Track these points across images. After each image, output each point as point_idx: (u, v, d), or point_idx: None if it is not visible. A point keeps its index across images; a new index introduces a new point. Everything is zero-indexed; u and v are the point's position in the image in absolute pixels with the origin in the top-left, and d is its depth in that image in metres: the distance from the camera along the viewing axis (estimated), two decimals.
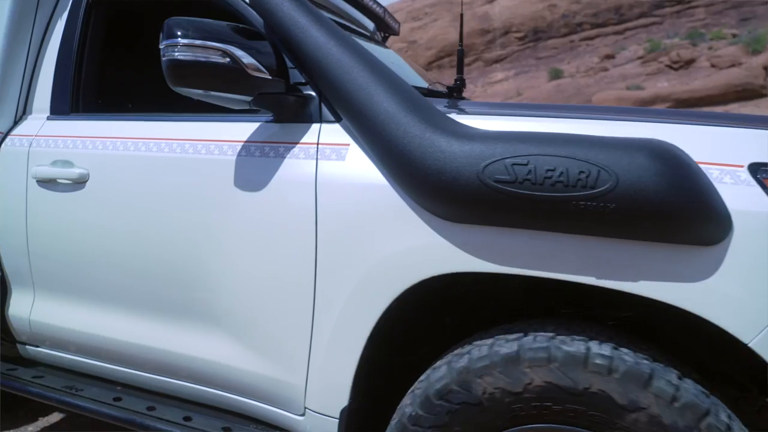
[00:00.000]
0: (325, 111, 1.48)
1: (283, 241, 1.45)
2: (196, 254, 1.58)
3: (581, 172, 1.08)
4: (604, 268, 1.13)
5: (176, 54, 1.35)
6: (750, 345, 1.04)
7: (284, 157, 1.48)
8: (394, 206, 1.31)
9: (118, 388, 1.87)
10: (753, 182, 1.08)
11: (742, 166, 1.10)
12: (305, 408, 1.49)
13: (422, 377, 1.27)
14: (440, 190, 1.19)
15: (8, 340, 2.02)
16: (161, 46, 1.37)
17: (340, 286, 1.37)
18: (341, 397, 1.42)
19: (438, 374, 1.22)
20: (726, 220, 1.06)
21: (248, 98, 1.45)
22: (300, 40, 1.44)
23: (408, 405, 1.26)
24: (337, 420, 1.43)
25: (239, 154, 1.53)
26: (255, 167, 1.50)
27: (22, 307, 1.95)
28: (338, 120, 1.46)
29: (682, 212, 1.04)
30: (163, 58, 1.37)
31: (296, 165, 1.46)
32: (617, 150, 1.08)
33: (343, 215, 1.37)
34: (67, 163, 1.80)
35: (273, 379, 1.52)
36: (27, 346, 2.00)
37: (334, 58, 1.39)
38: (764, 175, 1.09)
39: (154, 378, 1.75)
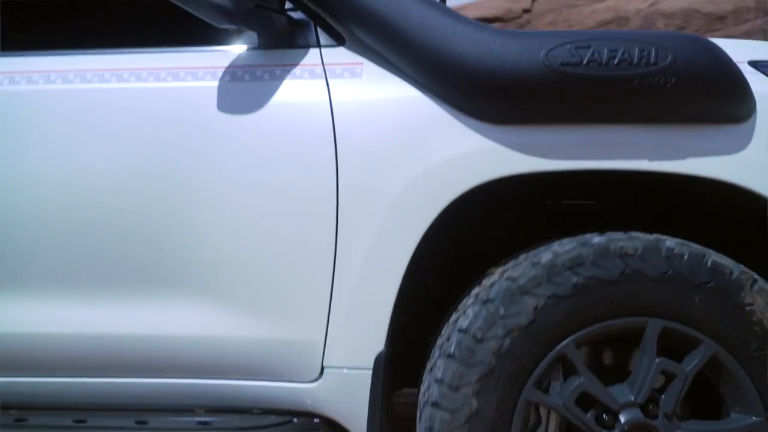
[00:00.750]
0: (323, 35, 1.35)
1: (290, 172, 1.25)
2: (164, 203, 1.28)
3: (642, 50, 1.12)
4: (656, 152, 1.18)
5: None
6: None
7: (283, 79, 1.29)
8: (433, 115, 1.21)
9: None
10: (758, 72, 1.22)
11: (743, 62, 1.24)
12: (323, 368, 1.26)
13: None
14: (498, 85, 1.14)
15: None
16: None
17: (370, 211, 1.22)
18: (375, 343, 1.23)
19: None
20: (752, 99, 1.18)
21: (235, 10, 1.26)
22: None
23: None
24: (371, 371, 1.23)
25: (222, 79, 1.31)
26: (246, 92, 1.29)
27: None
28: (341, 43, 1.34)
29: (727, 87, 1.14)
30: None
31: (301, 86, 1.28)
32: (665, 35, 1.16)
33: (368, 134, 1.24)
34: None
35: (278, 340, 1.26)
36: None
37: None
38: (764, 68, 1.24)
39: (110, 383, 1.33)
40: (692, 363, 1.16)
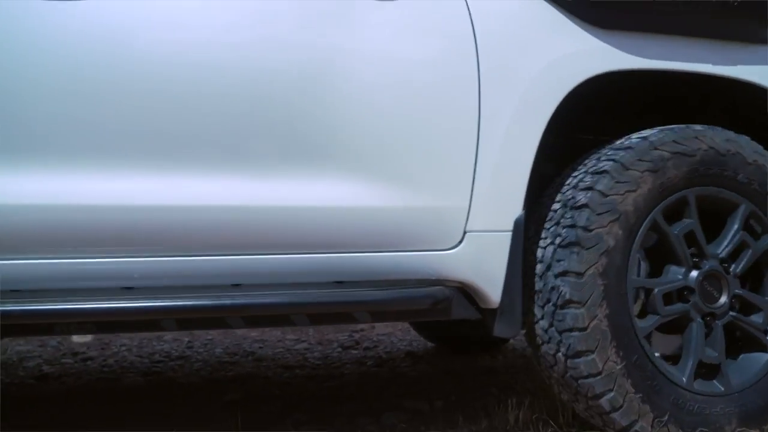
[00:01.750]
0: None
1: (436, 48, 1.36)
2: (310, 75, 1.29)
3: None
4: (716, 59, 1.51)
5: None
6: None
7: None
8: (553, 18, 1.42)
9: None
10: None
11: None
12: (464, 233, 1.35)
13: None
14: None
15: None
16: None
17: (509, 89, 1.37)
18: (515, 207, 1.36)
19: None
20: None
21: None
22: None
23: None
24: (510, 232, 1.35)
25: None
26: None
27: None
28: None
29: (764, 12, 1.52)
30: None
31: None
32: None
33: (502, 23, 1.40)
34: None
35: (423, 208, 1.34)
36: None
37: None
38: None
39: (221, 260, 1.25)
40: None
